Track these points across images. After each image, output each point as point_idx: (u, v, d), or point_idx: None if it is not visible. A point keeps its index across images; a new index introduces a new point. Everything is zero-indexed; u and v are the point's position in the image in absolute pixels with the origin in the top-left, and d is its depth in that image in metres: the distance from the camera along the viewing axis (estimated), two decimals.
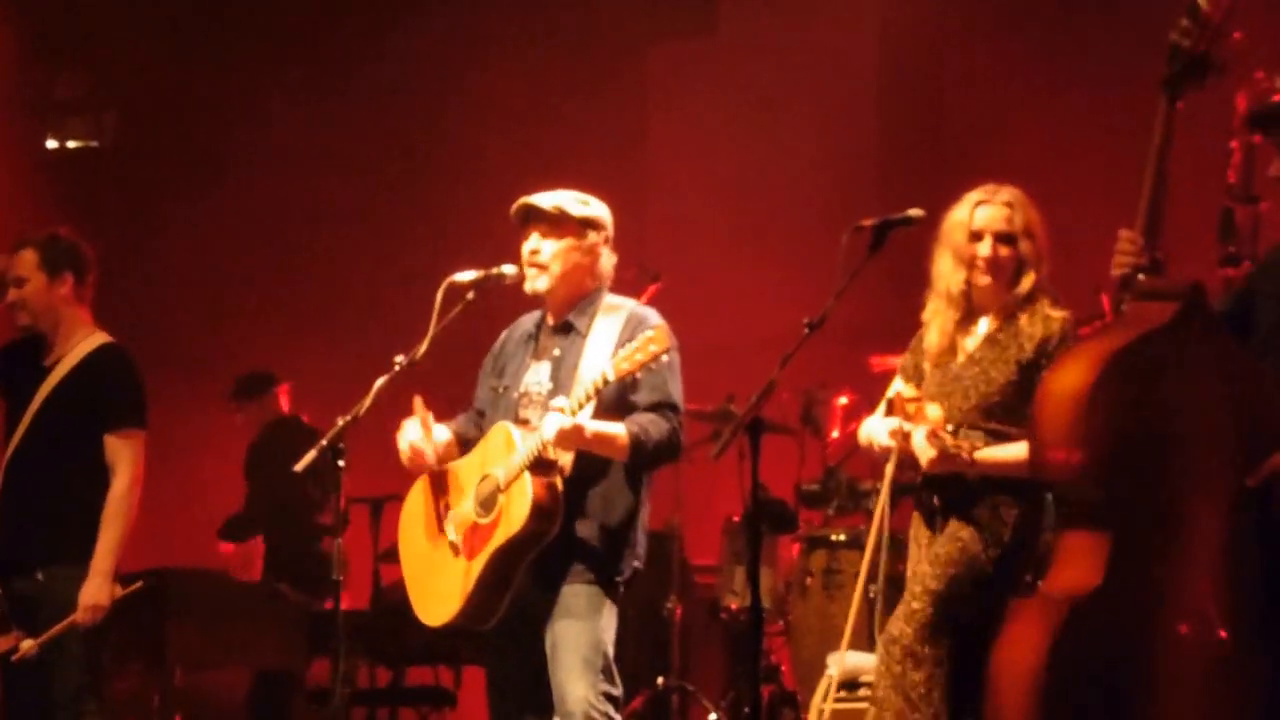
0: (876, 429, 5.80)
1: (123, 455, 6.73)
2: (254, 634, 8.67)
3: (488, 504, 5.79)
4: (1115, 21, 9.91)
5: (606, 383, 5.58)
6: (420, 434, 5.93)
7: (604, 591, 5.83)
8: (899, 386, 5.81)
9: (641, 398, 5.83)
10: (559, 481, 5.73)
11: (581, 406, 5.62)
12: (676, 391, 5.90)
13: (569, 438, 5.64)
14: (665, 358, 5.67)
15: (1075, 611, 4.72)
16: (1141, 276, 4.80)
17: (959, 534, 5.62)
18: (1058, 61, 10.28)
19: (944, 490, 5.66)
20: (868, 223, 5.52)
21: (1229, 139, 5.05)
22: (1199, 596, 4.72)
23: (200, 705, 9.10)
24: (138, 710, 8.77)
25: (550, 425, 5.61)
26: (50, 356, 6.89)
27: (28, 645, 6.58)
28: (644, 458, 5.81)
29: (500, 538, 5.74)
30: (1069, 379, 4.80)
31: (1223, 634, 4.69)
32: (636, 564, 5.94)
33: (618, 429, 5.74)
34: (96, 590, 6.61)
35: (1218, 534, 4.74)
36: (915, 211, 5.57)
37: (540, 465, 5.70)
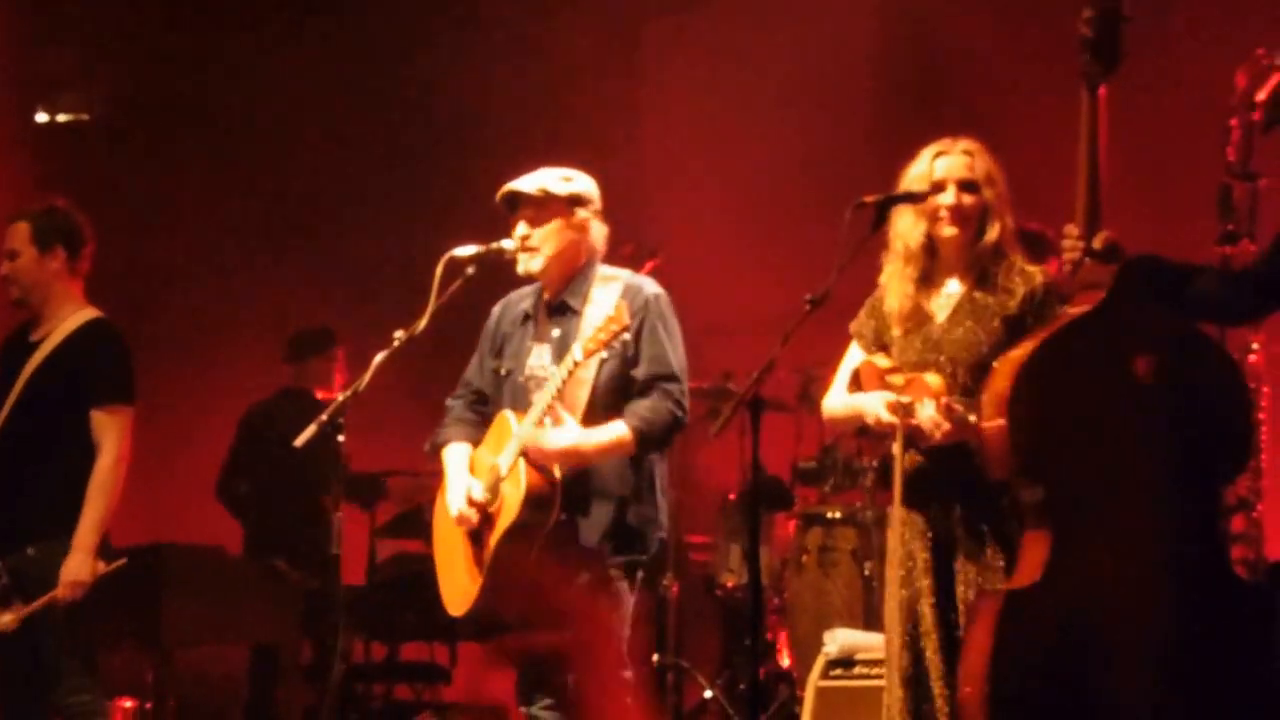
0: (868, 403, 5.44)
1: (109, 431, 6.68)
2: (249, 610, 8.65)
3: (494, 491, 5.82)
4: None
5: (576, 364, 5.62)
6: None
7: (623, 572, 5.86)
8: (861, 355, 5.61)
9: (640, 371, 5.84)
10: (555, 468, 5.72)
11: (560, 392, 5.65)
12: (676, 360, 5.88)
13: (569, 458, 5.69)
14: (664, 327, 5.79)
15: (1011, 603, 4.79)
16: (1085, 263, 4.84)
17: (990, 538, 5.37)
18: (1057, 31, 10.23)
19: (954, 472, 5.38)
20: (870, 199, 5.46)
21: (1227, 117, 5.03)
22: (1140, 582, 4.75)
23: (195, 682, 9.09)
24: (132, 686, 8.77)
25: (552, 440, 5.65)
26: (38, 331, 6.85)
27: (7, 619, 6.55)
28: (652, 446, 5.85)
29: (501, 526, 5.76)
30: (1004, 374, 4.88)
31: (1163, 621, 4.72)
32: (661, 535, 5.98)
33: (618, 431, 5.75)
34: (78, 566, 6.57)
35: (1161, 517, 4.77)
36: (918, 188, 5.50)
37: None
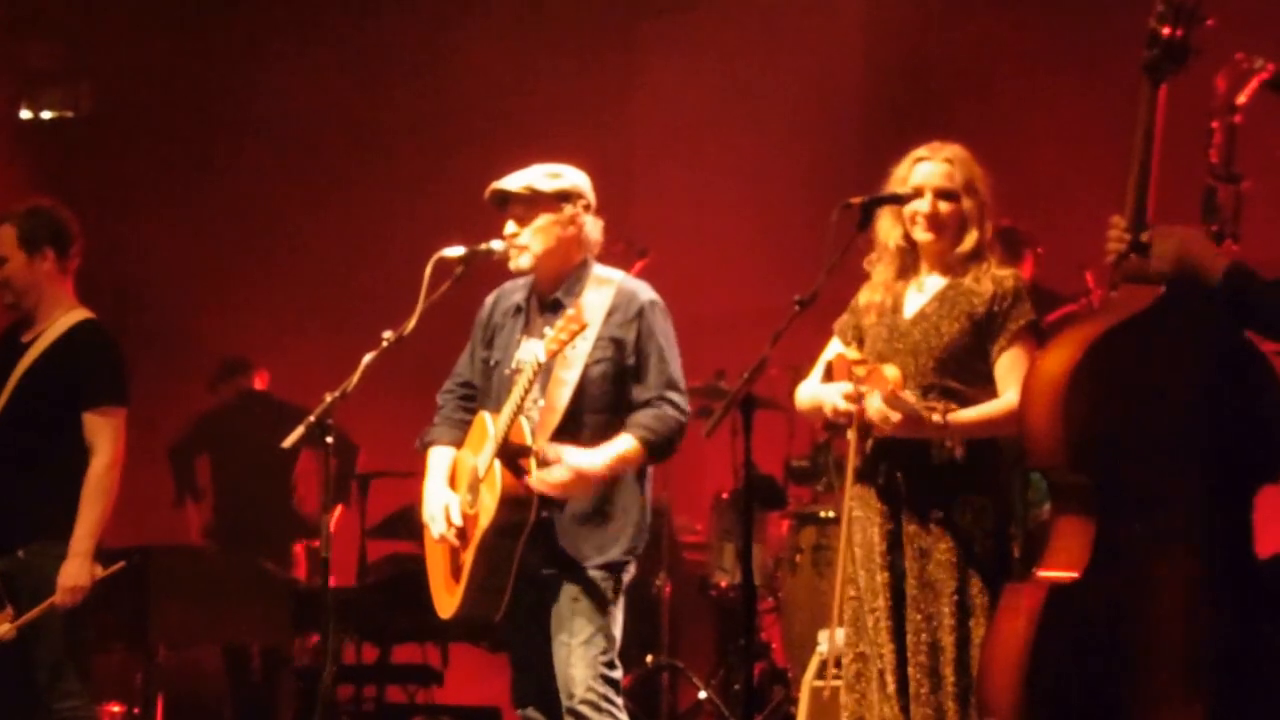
0: (827, 393, 5.55)
1: (102, 433, 6.65)
2: (238, 612, 8.63)
3: (474, 492, 5.82)
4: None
5: (540, 366, 5.62)
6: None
7: (610, 573, 5.84)
8: (838, 348, 5.68)
9: (649, 390, 5.85)
10: (531, 463, 5.71)
11: (525, 395, 5.65)
12: (677, 369, 5.91)
13: (585, 485, 5.70)
14: (663, 337, 5.84)
15: (1055, 596, 4.71)
16: (1131, 257, 4.81)
17: (948, 553, 5.43)
18: (1046, 30, 10.26)
19: (905, 467, 5.47)
20: (856, 200, 5.49)
21: (1210, 119, 5.04)
22: (1186, 581, 4.70)
23: (183, 684, 9.07)
24: (120, 689, 8.75)
25: (555, 476, 5.65)
26: (30, 333, 6.81)
27: (5, 629, 6.52)
28: (661, 455, 5.86)
29: (481, 527, 5.76)
30: (1055, 362, 4.80)
31: (1208, 617, 4.67)
32: (646, 536, 5.97)
33: (625, 445, 5.75)
34: (76, 571, 6.53)
35: (1201, 518, 4.73)
36: (904, 189, 5.54)
37: (510, 452, 5.71)
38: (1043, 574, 4.82)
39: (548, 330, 5.66)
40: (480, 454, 5.80)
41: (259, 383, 10.46)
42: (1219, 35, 4.90)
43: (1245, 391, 4.80)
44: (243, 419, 10.18)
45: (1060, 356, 4.80)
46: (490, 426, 5.79)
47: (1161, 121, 4.89)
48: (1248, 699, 4.75)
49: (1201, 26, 4.87)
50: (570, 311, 5.63)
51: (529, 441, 5.72)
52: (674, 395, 5.85)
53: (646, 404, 5.83)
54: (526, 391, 5.66)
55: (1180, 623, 4.70)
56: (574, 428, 5.76)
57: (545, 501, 5.74)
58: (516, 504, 5.69)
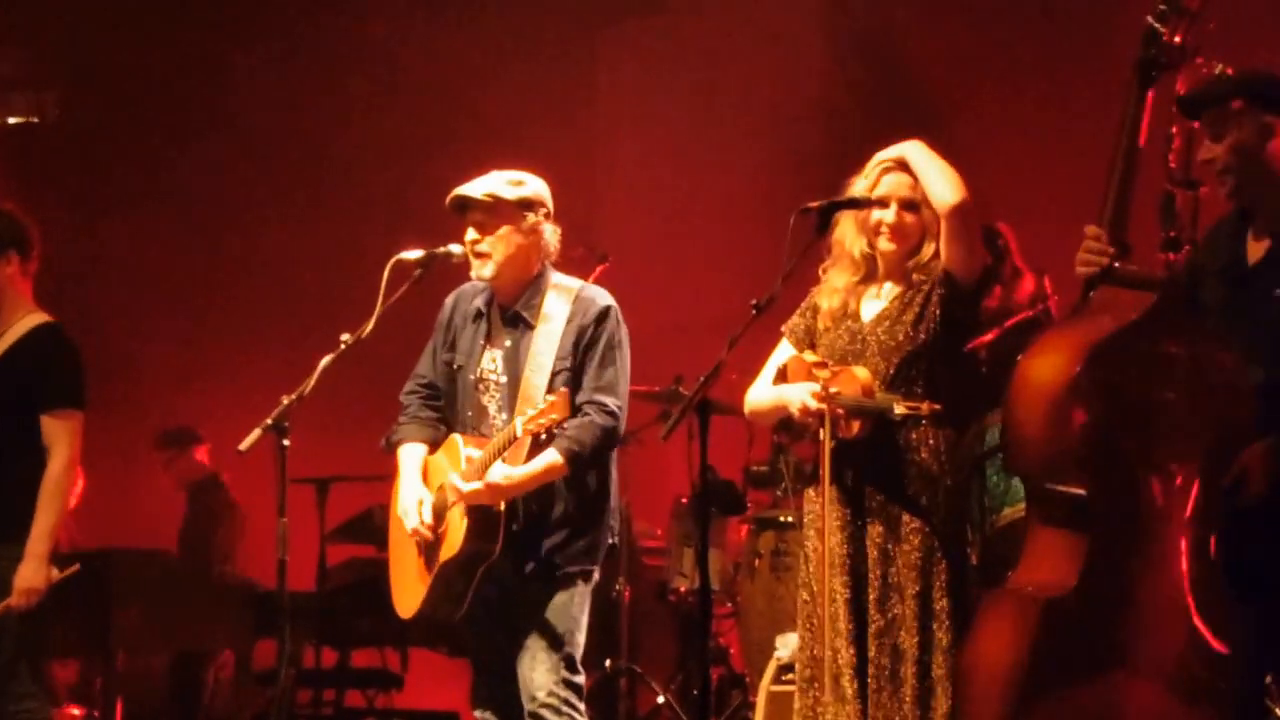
0: (792, 394, 5.56)
1: (59, 436, 6.64)
2: (199, 616, 8.62)
3: (439, 515, 5.88)
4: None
5: (514, 438, 5.66)
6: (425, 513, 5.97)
7: (576, 577, 5.88)
8: (790, 352, 5.71)
9: (585, 386, 5.87)
10: (500, 504, 5.77)
11: (501, 452, 5.72)
12: (616, 374, 5.93)
13: (504, 493, 5.74)
14: (609, 342, 5.87)
15: (1053, 610, 4.71)
16: (1116, 264, 4.83)
17: (912, 555, 5.47)
18: (1010, 35, 10.29)
19: (868, 469, 5.53)
20: (814, 205, 5.52)
21: (1170, 125, 5.06)
22: (1172, 593, 4.71)
23: (143, 688, 9.05)
24: (80, 694, 8.73)
25: (487, 496, 5.73)
26: None
27: None
28: (585, 465, 5.87)
29: (445, 555, 5.83)
30: (1049, 369, 4.80)
31: (1195, 628, 4.70)
32: (612, 540, 6.02)
33: (550, 458, 5.77)
34: (32, 574, 6.52)
35: (1190, 530, 4.74)
36: (861, 194, 5.58)
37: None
38: (1026, 585, 4.82)
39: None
40: (449, 476, 5.84)
41: (201, 455, 10.52)
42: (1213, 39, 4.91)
43: (1221, 400, 4.81)
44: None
45: (1053, 363, 4.80)
46: (462, 458, 5.85)
47: (1147, 127, 4.90)
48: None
49: (1202, 29, 4.86)
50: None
51: None
52: (605, 399, 5.87)
53: (580, 409, 5.84)
54: (502, 450, 5.71)
55: (1172, 634, 4.71)
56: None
57: (511, 514, 5.78)
58: (482, 536, 5.77)
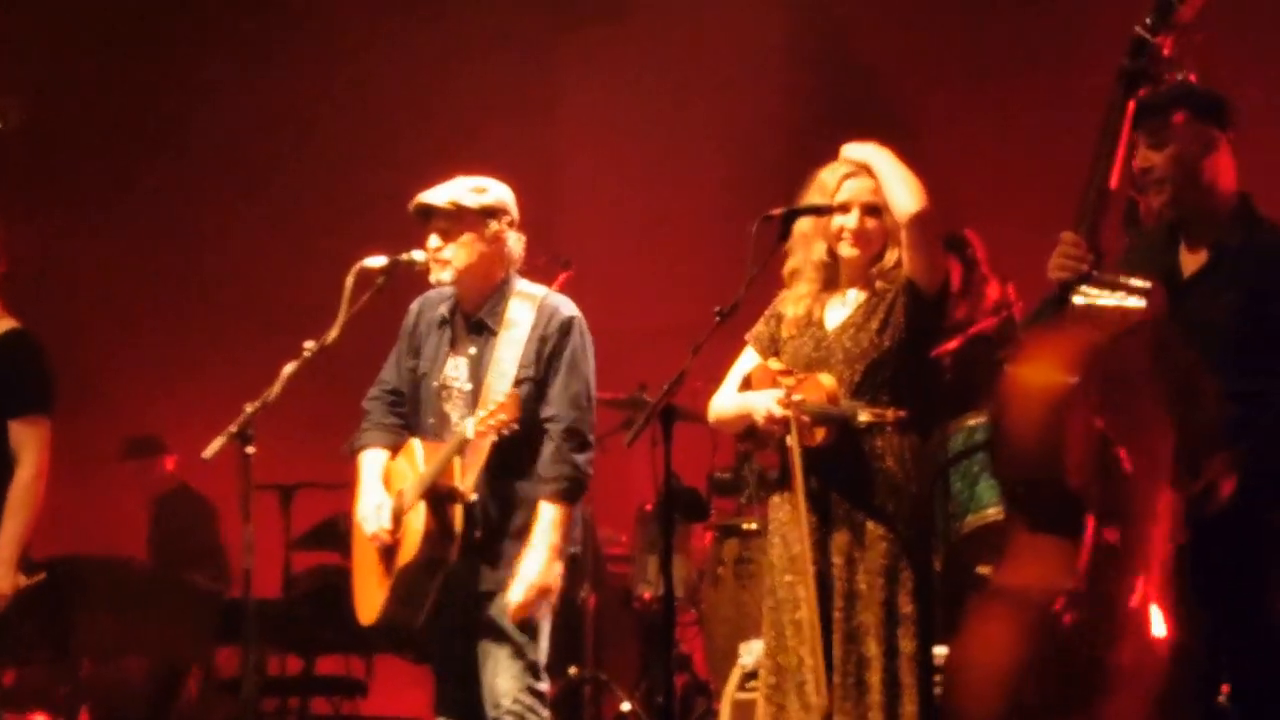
0: (758, 401, 5.54)
1: (28, 443, 6.64)
2: (163, 623, 8.60)
3: (399, 520, 5.89)
4: (1030, 9, 10.02)
5: (466, 440, 5.69)
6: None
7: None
8: (754, 360, 5.69)
9: (552, 408, 5.87)
10: (457, 508, 5.77)
11: (456, 454, 5.73)
12: (582, 388, 5.92)
13: (544, 577, 5.77)
14: (575, 354, 5.88)
15: (1050, 614, 4.70)
16: (1094, 271, 4.85)
17: (878, 562, 5.45)
18: (969, 47, 10.33)
19: (834, 476, 5.50)
20: (776, 212, 5.52)
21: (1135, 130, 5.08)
22: (1147, 599, 4.73)
23: (108, 696, 9.03)
24: (44, 701, 8.70)
25: (526, 600, 5.75)
26: None
27: None
28: (580, 494, 5.89)
29: (402, 560, 5.84)
30: (1043, 375, 4.78)
31: (1165, 634, 4.71)
32: (574, 549, 6.02)
33: (551, 514, 5.79)
34: None
35: (1164, 534, 4.76)
36: (823, 201, 5.55)
37: (438, 492, 5.78)
38: (1015, 588, 4.82)
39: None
40: (407, 483, 5.86)
41: (169, 464, 10.49)
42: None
43: (1197, 407, 4.82)
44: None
45: (1048, 369, 4.77)
46: (419, 457, 5.85)
47: (1127, 137, 4.90)
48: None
49: (1190, 41, 4.88)
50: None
51: (457, 482, 5.78)
52: (572, 417, 5.86)
53: (545, 430, 5.84)
54: (457, 451, 5.73)
55: (1146, 640, 4.71)
56: (504, 444, 5.78)
57: (473, 521, 5.79)
58: (438, 542, 5.78)
